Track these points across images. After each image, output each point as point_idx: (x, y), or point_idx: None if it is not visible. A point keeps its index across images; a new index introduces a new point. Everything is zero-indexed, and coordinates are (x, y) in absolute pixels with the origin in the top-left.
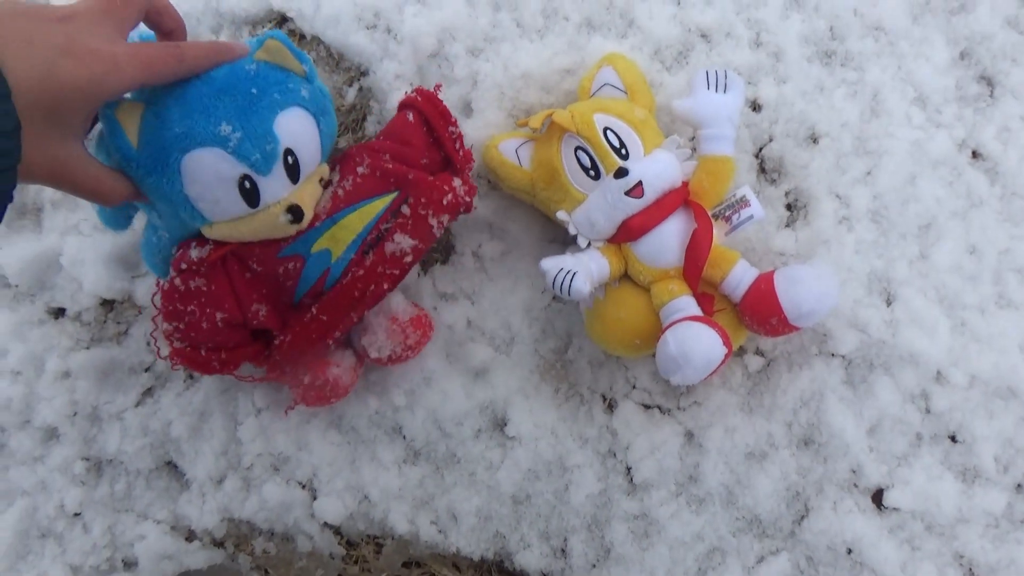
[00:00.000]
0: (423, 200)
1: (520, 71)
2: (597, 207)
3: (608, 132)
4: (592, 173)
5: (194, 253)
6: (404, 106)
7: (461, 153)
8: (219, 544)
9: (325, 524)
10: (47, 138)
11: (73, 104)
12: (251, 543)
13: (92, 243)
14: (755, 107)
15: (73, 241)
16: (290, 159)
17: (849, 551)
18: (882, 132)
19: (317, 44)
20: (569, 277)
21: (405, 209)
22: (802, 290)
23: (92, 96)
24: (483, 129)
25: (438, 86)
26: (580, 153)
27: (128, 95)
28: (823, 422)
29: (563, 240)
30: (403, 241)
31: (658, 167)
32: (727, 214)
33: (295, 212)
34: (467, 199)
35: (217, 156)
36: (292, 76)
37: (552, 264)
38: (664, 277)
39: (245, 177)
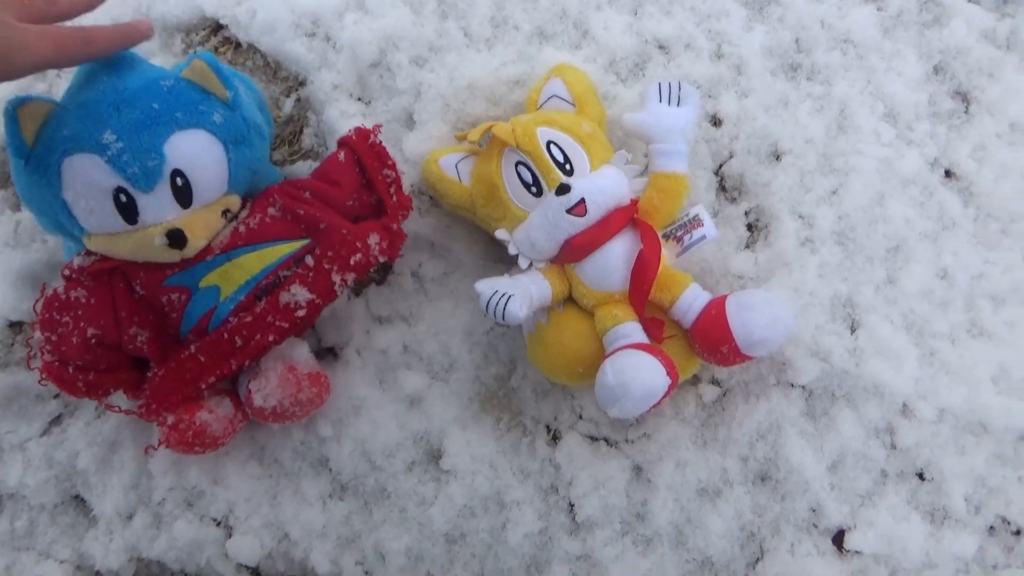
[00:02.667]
0: (330, 254)
1: (466, 82)
2: (538, 226)
3: (552, 147)
4: (534, 190)
5: (77, 261)
6: (339, 144)
7: (395, 198)
8: None
9: (240, 565)
10: None
11: None
12: None
13: (2, 260)
14: (715, 122)
15: None
16: (179, 181)
17: None
18: (849, 149)
19: (253, 52)
20: (504, 300)
21: (309, 260)
22: (754, 316)
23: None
24: (425, 143)
25: (377, 127)
26: (521, 168)
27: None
28: (781, 457)
29: (508, 260)
30: (300, 293)
31: (603, 183)
32: (679, 234)
33: (174, 237)
34: (381, 257)
35: (94, 163)
36: (210, 99)
37: (486, 287)
38: (609, 301)
39: (120, 190)
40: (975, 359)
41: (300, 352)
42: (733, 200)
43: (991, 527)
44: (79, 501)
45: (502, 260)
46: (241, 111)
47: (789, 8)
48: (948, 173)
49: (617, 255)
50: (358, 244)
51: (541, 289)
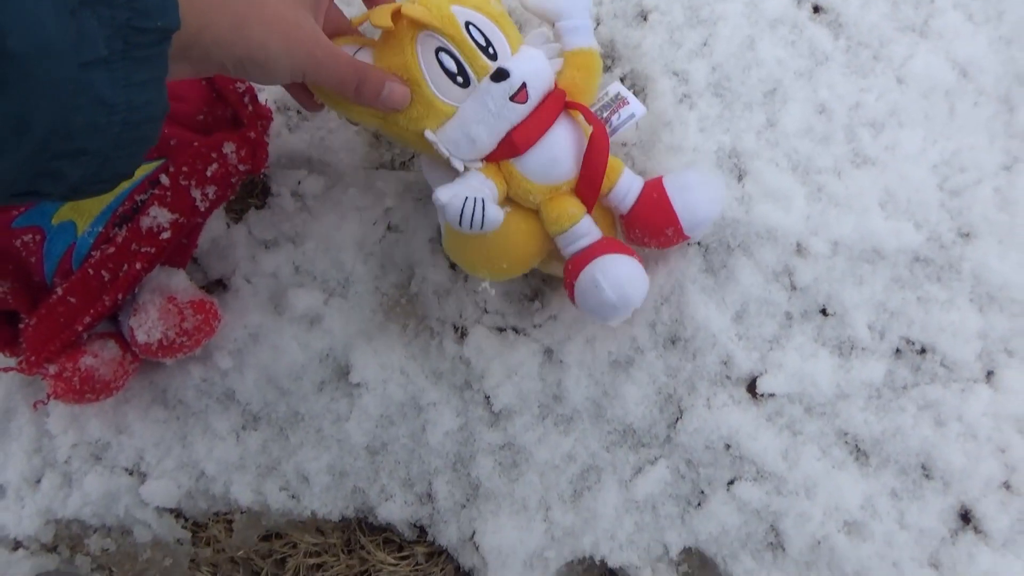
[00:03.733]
0: (185, 169)
1: None
2: (476, 118)
3: (471, 28)
4: (460, 80)
5: None
6: None
7: (251, 108)
8: (51, 549)
9: (161, 508)
10: None
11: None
12: (85, 543)
13: None
14: None
15: None
16: None
17: (727, 446)
18: None
19: None
20: (480, 206)
21: (165, 179)
22: (696, 196)
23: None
24: None
25: None
26: (443, 56)
27: None
28: (687, 316)
29: (391, 165)
30: (160, 215)
31: (538, 65)
32: (605, 115)
33: None
34: (242, 166)
35: None
36: None
37: (450, 194)
38: (556, 195)
39: None
40: (861, 188)
41: (178, 281)
42: (607, 68)
43: (897, 350)
44: None
45: (385, 165)
46: None
47: None
48: (816, 8)
49: (562, 144)
50: (213, 155)
51: (492, 190)
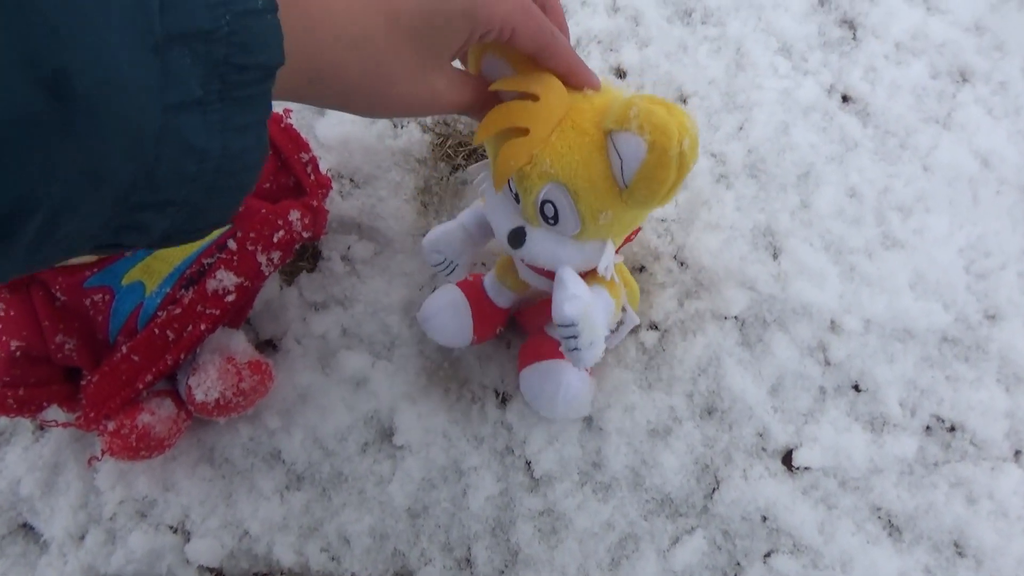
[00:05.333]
0: (252, 235)
1: None
2: (497, 223)
3: (546, 205)
4: (515, 197)
5: None
6: None
7: (313, 178)
8: None
9: (204, 568)
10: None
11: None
12: None
13: None
14: (620, 74)
15: None
16: None
17: (764, 519)
18: (750, 85)
19: None
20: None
21: (231, 243)
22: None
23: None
24: (338, 127)
25: (288, 111)
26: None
27: None
28: (723, 388)
29: None
30: (227, 278)
31: (546, 258)
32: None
33: None
34: (305, 233)
35: None
36: None
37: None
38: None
39: None
40: (891, 269)
41: (237, 342)
42: None
43: (927, 427)
44: (27, 529)
45: None
46: None
47: None
48: (845, 97)
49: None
50: (279, 222)
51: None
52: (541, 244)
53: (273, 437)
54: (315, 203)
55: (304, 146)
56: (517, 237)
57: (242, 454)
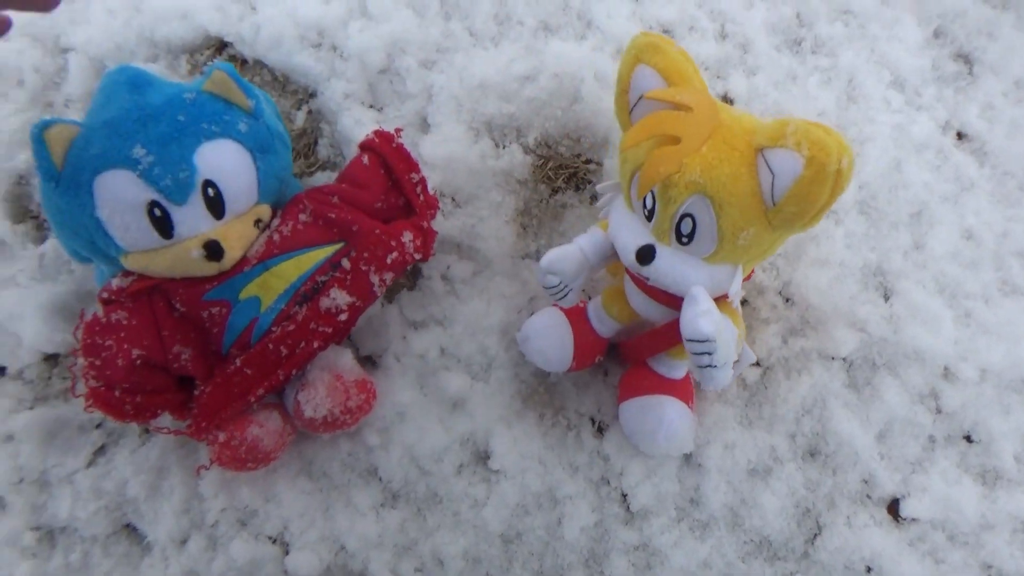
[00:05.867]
0: (366, 255)
1: (476, 81)
2: (624, 240)
3: (684, 220)
4: (647, 213)
5: (115, 282)
6: (362, 148)
7: (422, 198)
8: None
9: None
10: None
11: None
12: None
13: (30, 294)
14: (727, 101)
15: (9, 294)
16: (210, 192)
17: (868, 569)
18: (861, 118)
19: (260, 68)
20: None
21: (345, 263)
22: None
23: None
24: (442, 144)
25: (399, 130)
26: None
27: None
28: (828, 430)
29: (537, 256)
30: (340, 297)
31: (674, 277)
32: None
33: (211, 248)
34: (416, 255)
35: (126, 178)
36: (233, 109)
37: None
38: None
39: (154, 204)
40: (1010, 316)
41: (345, 360)
42: None
43: None
44: (131, 530)
45: (529, 255)
46: (264, 120)
47: None
48: (960, 135)
49: (657, 315)
50: (393, 243)
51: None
52: (670, 263)
53: (371, 454)
54: (425, 224)
55: (414, 166)
56: (646, 254)
57: (340, 469)
